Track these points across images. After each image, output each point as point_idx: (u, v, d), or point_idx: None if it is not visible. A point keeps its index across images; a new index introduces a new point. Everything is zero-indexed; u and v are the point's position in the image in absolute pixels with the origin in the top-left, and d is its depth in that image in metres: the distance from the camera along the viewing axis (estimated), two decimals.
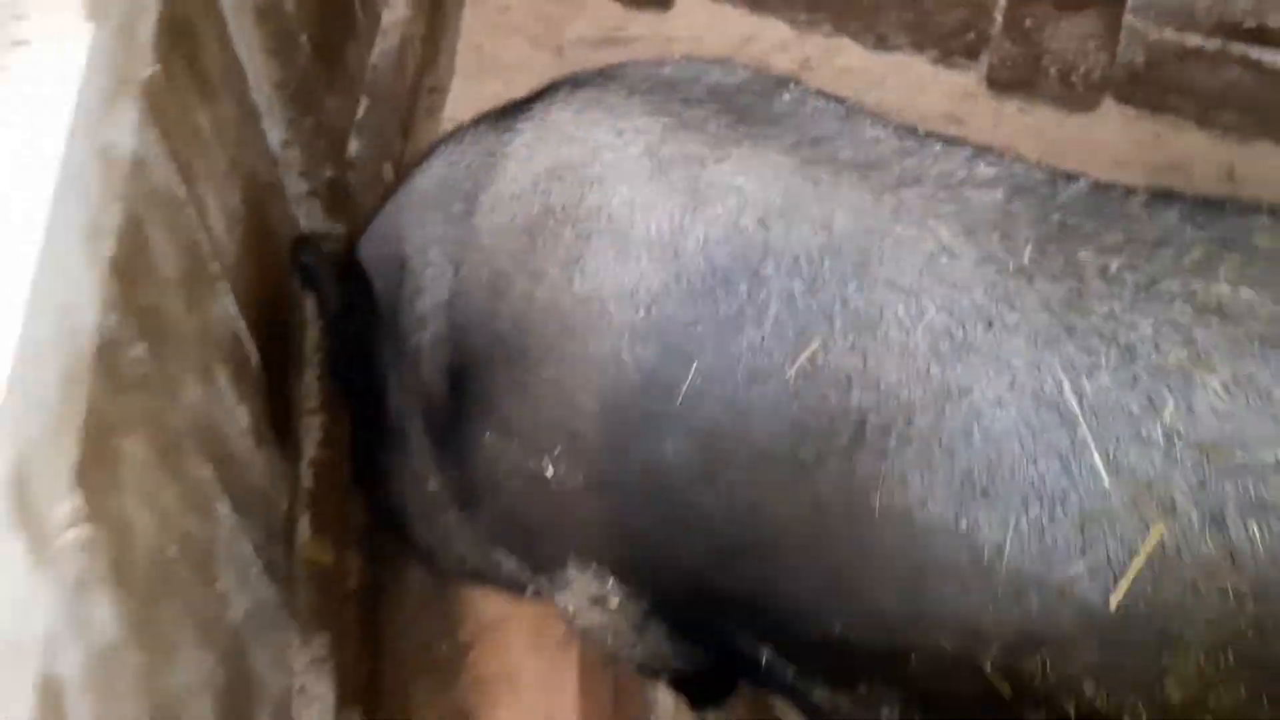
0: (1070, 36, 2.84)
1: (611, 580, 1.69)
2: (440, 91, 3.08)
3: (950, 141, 1.57)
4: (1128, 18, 2.80)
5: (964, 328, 1.38)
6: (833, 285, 1.44)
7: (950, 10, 2.93)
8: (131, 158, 1.21)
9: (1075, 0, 2.81)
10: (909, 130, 1.60)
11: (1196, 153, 2.87)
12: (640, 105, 1.62)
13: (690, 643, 1.80)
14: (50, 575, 0.96)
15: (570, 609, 1.80)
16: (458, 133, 1.85)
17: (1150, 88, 2.88)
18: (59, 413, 0.99)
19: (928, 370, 1.38)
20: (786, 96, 1.63)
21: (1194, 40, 2.79)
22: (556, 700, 2.18)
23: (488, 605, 2.27)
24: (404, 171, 2.03)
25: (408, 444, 1.88)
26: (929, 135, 1.59)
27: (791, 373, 1.43)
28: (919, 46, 3.07)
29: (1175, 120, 2.92)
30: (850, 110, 1.63)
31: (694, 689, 2.11)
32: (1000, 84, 2.99)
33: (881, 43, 3.11)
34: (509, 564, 1.84)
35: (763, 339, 1.46)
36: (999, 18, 2.88)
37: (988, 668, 1.38)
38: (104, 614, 1.15)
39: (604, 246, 1.54)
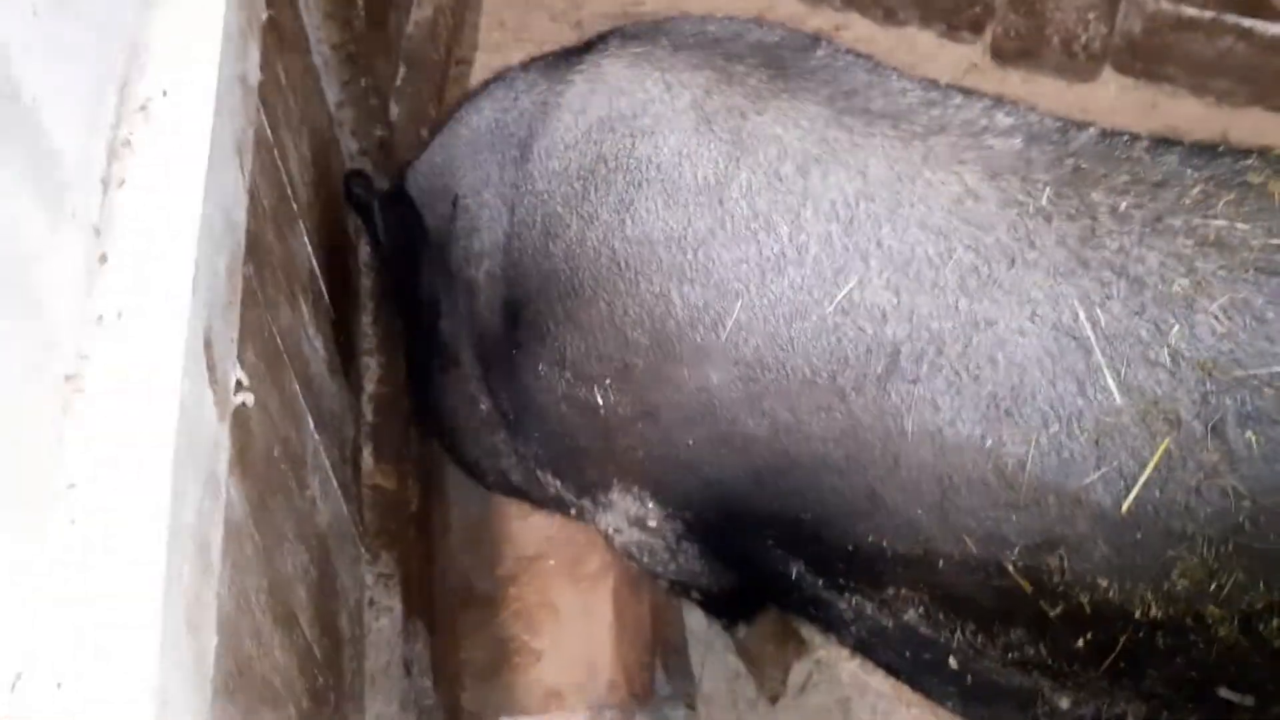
0: (1072, 8, 2.99)
1: (651, 502, 1.82)
2: (465, 63, 3.28)
3: (968, 93, 1.67)
4: None
5: (989, 264, 1.49)
6: (868, 227, 1.55)
7: None
8: (257, 88, 1.41)
9: None
10: (931, 82, 1.70)
11: (1192, 119, 3.04)
12: (687, 60, 1.72)
13: (721, 562, 1.92)
14: (226, 431, 1.16)
15: (611, 529, 1.93)
16: (508, 76, 1.95)
17: (1148, 57, 3.04)
18: (227, 292, 1.19)
19: (956, 304, 1.49)
20: (820, 52, 1.74)
21: (1190, 11, 2.94)
22: (594, 627, 2.34)
23: (526, 541, 2.44)
24: (453, 107, 2.14)
25: (460, 368, 2.01)
26: (949, 86, 1.70)
27: (831, 309, 1.55)
28: (925, 20, 3.25)
29: (1171, 89, 3.09)
30: (876, 65, 1.74)
31: (723, 608, 2.28)
32: (1004, 55, 3.16)
33: (889, 17, 3.30)
34: (555, 486, 1.97)
35: (803, 278, 1.57)
36: None
37: (1010, 568, 1.51)
38: (234, 494, 1.34)
39: (653, 194, 1.66)
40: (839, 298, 1.55)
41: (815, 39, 1.81)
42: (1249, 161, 1.52)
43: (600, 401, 1.75)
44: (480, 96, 1.99)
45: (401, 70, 2.73)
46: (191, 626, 0.99)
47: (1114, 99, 3.12)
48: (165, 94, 1.21)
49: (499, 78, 2.00)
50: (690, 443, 1.70)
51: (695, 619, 2.40)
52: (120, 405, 1.01)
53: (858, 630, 1.81)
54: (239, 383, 1.20)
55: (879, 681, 2.41)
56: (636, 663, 2.34)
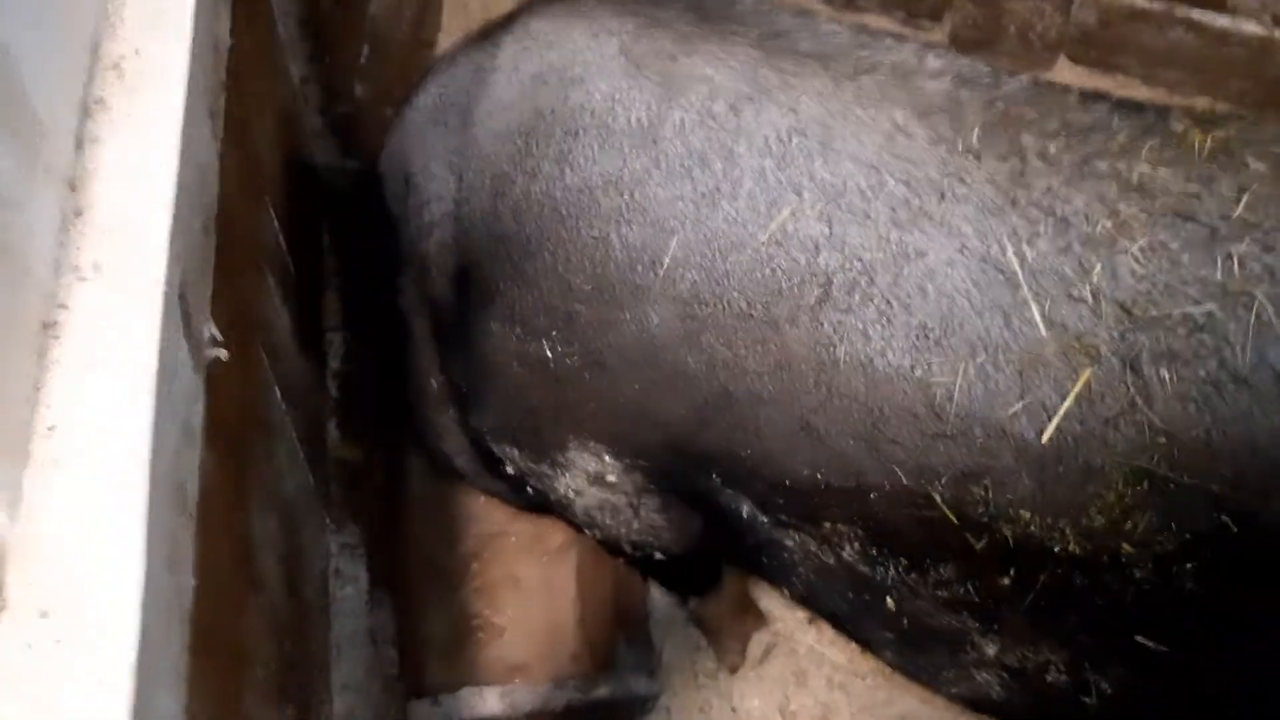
0: None
1: (608, 455, 1.85)
2: (428, 46, 3.31)
3: (899, 37, 1.74)
4: None
5: (920, 197, 1.54)
6: (801, 161, 1.59)
7: None
8: (229, 52, 1.44)
9: None
10: (861, 27, 1.77)
11: None
12: (611, 9, 1.77)
13: (681, 513, 1.96)
14: (201, 384, 1.18)
15: (572, 491, 1.96)
16: (448, 56, 2.00)
17: (1102, 47, 3.13)
18: (202, 250, 1.22)
19: (888, 235, 1.54)
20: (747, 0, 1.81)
21: (1142, 3, 3.06)
22: (557, 601, 2.39)
23: (489, 517, 2.48)
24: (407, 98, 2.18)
25: (413, 344, 2.05)
26: (880, 31, 1.76)
27: (764, 239, 1.58)
28: (885, 7, 3.33)
29: (1123, 79, 3.19)
30: (804, 10, 1.80)
31: (685, 575, 2.33)
32: (962, 43, 3.23)
33: (849, 4, 3.37)
34: (512, 456, 2.00)
35: (738, 211, 1.60)
36: None
37: (937, 498, 1.57)
38: (206, 454, 1.37)
39: (589, 140, 1.69)
40: (772, 227, 1.59)
41: None
42: (1173, 113, 1.61)
43: (549, 354, 1.78)
44: (426, 78, 2.03)
45: (366, 49, 2.76)
46: (171, 566, 1.02)
47: None
48: (138, 53, 1.24)
49: (441, 58, 2.05)
50: (636, 387, 1.74)
51: (657, 592, 2.45)
52: (98, 353, 1.04)
53: (805, 573, 1.87)
54: (213, 338, 1.23)
55: (835, 654, 2.48)
56: (599, 635, 2.39)
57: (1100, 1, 3.09)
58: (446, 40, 3.28)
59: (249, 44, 1.87)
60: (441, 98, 1.94)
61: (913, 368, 1.53)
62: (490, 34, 1.91)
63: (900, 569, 1.69)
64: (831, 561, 1.77)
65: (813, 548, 1.78)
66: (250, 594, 1.53)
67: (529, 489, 2.08)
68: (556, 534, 2.46)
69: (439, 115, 1.93)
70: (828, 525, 1.72)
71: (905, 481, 1.58)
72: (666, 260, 1.64)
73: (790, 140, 1.61)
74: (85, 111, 1.19)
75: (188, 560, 1.08)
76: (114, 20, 1.25)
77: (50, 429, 1.00)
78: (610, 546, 2.14)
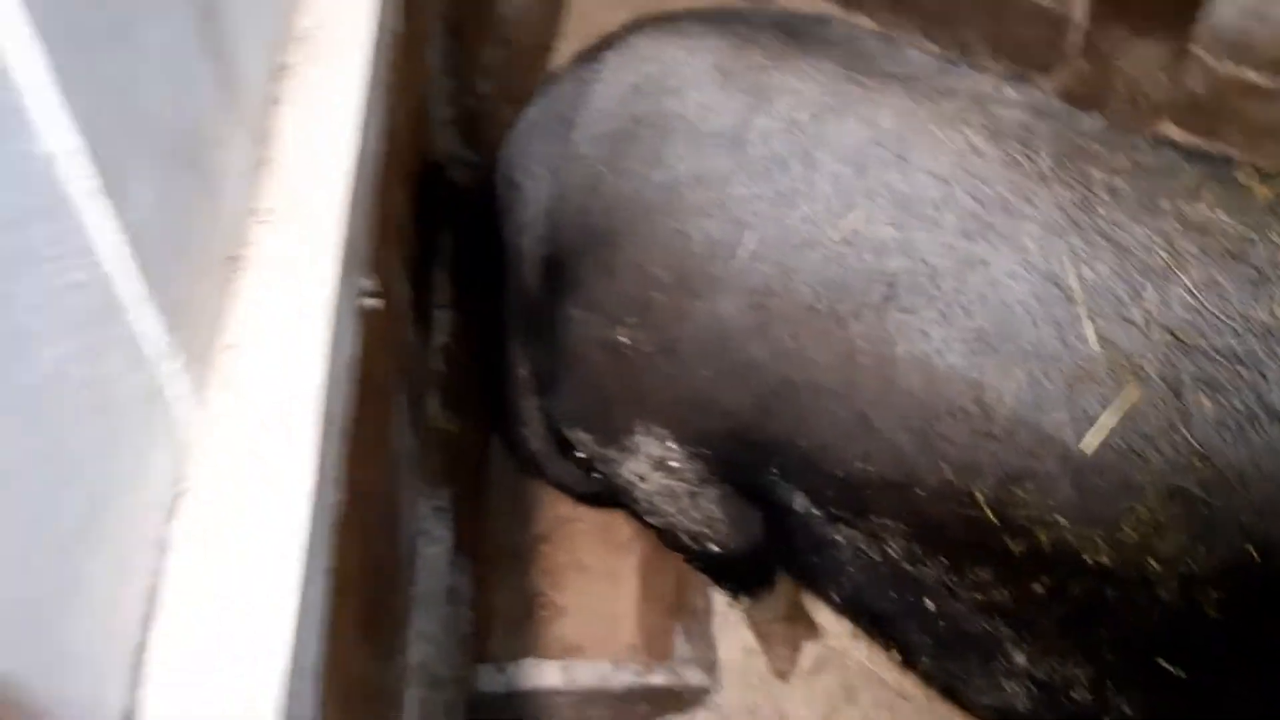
0: (1141, 60, 3.20)
1: (672, 442, 1.97)
2: (548, 51, 3.46)
3: (979, 69, 1.88)
4: (1195, 49, 3.16)
5: (988, 211, 1.65)
6: (877, 170, 1.71)
7: (1031, 25, 3.30)
8: (394, 41, 1.58)
9: (1149, 27, 3.17)
10: (944, 54, 1.92)
11: None
12: (709, 29, 1.92)
13: (739, 505, 2.08)
14: (358, 332, 1.31)
15: (636, 477, 2.09)
16: (556, 74, 2.20)
17: (1207, 115, 3.23)
18: (366, 207, 1.35)
19: (954, 243, 1.65)
20: (836, 26, 1.97)
21: (1254, 76, 3.15)
22: (619, 589, 2.52)
23: (560, 503, 2.62)
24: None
25: (508, 334, 2.24)
26: (961, 62, 1.90)
27: (836, 238, 1.69)
28: (996, 57, 3.43)
29: (1224, 148, 3.27)
30: (890, 38, 1.95)
31: (739, 568, 2.42)
32: (1070, 99, 3.32)
33: (962, 50, 3.47)
34: (584, 441, 2.13)
35: (813, 211, 1.72)
36: (1078, 38, 3.24)
37: (980, 498, 1.65)
38: (350, 393, 1.47)
39: (679, 141, 1.83)
40: (845, 229, 1.69)
41: (830, 17, 2.03)
42: (1239, 165, 1.73)
43: (625, 340, 1.90)
44: (535, 95, 2.20)
45: (495, 48, 2.90)
46: (331, 482, 1.14)
47: None
48: (323, 26, 1.38)
49: (549, 77, 2.22)
50: (705, 374, 1.86)
51: (717, 591, 2.54)
52: (274, 287, 1.17)
53: (852, 571, 1.98)
54: (370, 289, 1.36)
55: (885, 674, 2.55)
56: (658, 626, 2.50)
57: (1212, 71, 3.16)
58: (565, 45, 3.44)
59: (407, 30, 2.00)
60: (548, 109, 2.10)
61: (968, 369, 1.63)
62: (596, 51, 2.08)
63: (941, 568, 1.80)
64: (877, 558, 1.88)
65: (861, 544, 1.89)
66: (358, 535, 1.65)
67: (596, 474, 2.21)
68: (625, 526, 2.57)
69: (545, 124, 2.09)
70: (875, 519, 1.82)
71: (952, 478, 1.68)
72: (742, 252, 1.75)
73: (868, 150, 1.73)
74: (273, 74, 1.32)
75: (338, 480, 1.20)
76: None
77: (228, 347, 1.13)
78: (668, 538, 2.26)
